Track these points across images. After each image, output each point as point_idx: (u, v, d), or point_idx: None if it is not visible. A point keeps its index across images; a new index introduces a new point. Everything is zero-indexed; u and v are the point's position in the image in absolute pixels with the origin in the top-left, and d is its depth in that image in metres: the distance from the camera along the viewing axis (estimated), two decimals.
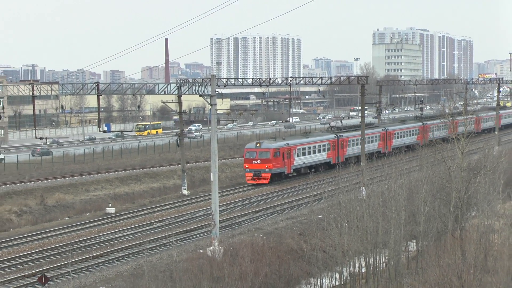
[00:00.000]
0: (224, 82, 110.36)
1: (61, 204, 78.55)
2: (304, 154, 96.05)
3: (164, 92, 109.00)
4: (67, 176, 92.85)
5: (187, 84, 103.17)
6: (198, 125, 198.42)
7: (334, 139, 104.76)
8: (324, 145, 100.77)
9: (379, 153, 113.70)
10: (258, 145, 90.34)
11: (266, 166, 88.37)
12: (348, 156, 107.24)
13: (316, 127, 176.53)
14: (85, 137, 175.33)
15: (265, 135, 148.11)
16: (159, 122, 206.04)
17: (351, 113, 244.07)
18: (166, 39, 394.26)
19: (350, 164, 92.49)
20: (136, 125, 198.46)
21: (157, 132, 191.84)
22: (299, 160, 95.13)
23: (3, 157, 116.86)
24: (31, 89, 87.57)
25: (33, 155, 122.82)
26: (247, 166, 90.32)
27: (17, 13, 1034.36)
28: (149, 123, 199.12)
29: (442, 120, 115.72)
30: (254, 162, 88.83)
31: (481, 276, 38.77)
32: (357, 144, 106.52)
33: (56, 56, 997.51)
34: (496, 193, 56.14)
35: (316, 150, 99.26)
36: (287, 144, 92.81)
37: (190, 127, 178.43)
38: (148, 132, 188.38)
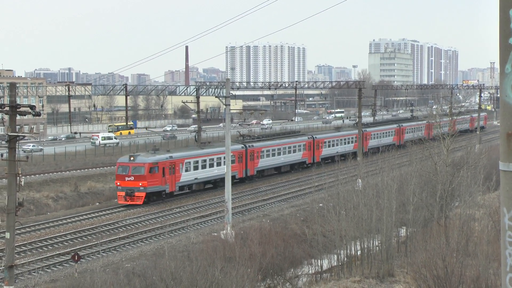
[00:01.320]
0: (237, 85, 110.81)
1: (93, 191, 78.51)
2: (196, 168, 75.32)
3: (184, 93, 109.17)
4: (98, 166, 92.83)
5: (205, 87, 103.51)
6: (174, 126, 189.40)
7: (242, 150, 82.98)
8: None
9: (304, 164, 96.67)
10: (131, 158, 69.43)
11: (140, 184, 67.94)
12: (261, 168, 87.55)
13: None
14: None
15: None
16: (131, 122, 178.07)
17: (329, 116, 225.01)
18: (187, 47, 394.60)
19: (266, 177, 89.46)
20: (109, 126, 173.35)
21: (129, 132, 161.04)
22: (188, 176, 74.38)
23: (42, 149, 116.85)
24: (67, 89, 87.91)
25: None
26: (118, 184, 68.74)
27: (55, 21, 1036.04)
28: (122, 123, 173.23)
29: (387, 127, 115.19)
30: (126, 178, 68.10)
31: (463, 259, 38.63)
32: (273, 155, 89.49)
33: (90, 60, 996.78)
34: (477, 186, 56.03)
35: (215, 163, 77.54)
36: (170, 157, 71.89)
37: (165, 127, 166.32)
38: (121, 133, 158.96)
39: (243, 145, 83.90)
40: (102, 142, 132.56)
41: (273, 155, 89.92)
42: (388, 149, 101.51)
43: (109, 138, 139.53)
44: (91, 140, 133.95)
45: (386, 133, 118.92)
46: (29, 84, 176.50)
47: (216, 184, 78.29)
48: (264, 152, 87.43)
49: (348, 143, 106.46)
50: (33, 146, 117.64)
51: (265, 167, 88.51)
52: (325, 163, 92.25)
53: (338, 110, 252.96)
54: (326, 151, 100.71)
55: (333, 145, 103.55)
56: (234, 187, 71.00)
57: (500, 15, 8.42)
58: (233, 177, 74.48)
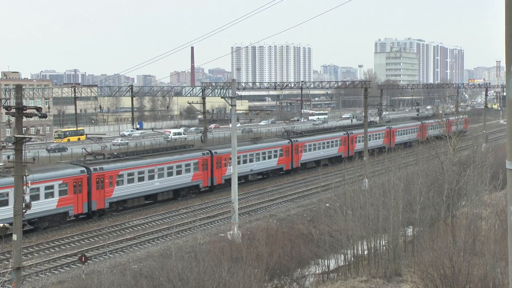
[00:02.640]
0: (243, 85, 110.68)
1: None
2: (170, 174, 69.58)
3: (190, 94, 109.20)
4: None
5: (210, 87, 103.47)
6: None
7: (288, 144, 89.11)
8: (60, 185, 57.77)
9: (340, 158, 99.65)
10: None
11: None
12: (304, 161, 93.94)
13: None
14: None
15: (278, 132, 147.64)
16: (83, 128, 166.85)
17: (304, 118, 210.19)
18: (192, 48, 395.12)
19: (308, 169, 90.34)
20: (56, 132, 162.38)
21: (79, 138, 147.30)
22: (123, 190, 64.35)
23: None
24: (73, 91, 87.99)
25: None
26: None
27: (61, 23, 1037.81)
28: (70, 129, 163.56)
29: (331, 136, 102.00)
30: None
31: (470, 258, 38.58)
32: (314, 149, 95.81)
33: (95, 62, 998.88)
34: (484, 185, 55.95)
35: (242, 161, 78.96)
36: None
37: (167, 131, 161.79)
38: (68, 139, 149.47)
39: (289, 140, 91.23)
40: (173, 137, 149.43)
41: (314, 149, 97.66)
42: (332, 162, 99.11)
43: (179, 133, 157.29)
44: (164, 135, 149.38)
45: (327, 143, 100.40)
46: (35, 86, 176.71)
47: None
48: (307, 146, 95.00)
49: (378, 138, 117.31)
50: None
51: (307, 160, 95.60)
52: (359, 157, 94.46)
53: (322, 112, 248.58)
54: (358, 146, 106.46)
55: (402, 134, 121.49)
56: (246, 185, 71.43)
57: (506, 14, 8.41)
58: (281, 169, 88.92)
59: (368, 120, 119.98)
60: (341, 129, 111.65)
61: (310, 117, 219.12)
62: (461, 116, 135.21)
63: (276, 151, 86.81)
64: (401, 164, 64.16)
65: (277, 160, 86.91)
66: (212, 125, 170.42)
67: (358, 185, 57.37)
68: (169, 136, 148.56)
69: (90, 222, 60.88)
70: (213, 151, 76.32)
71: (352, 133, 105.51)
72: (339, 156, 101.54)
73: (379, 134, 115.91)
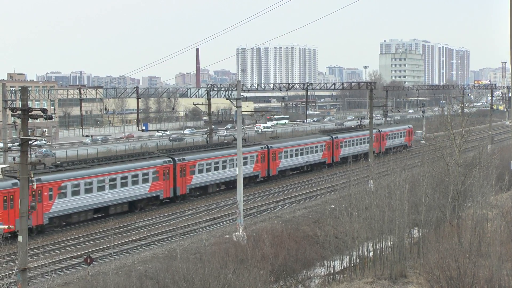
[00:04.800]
0: (248, 87, 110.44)
1: None
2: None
3: (196, 95, 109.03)
4: None
5: (216, 89, 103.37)
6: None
7: (329, 140, 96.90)
8: None
9: (256, 178, 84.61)
10: None
11: None
12: (343, 156, 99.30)
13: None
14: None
15: (284, 134, 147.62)
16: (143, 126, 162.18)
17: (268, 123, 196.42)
18: (198, 49, 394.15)
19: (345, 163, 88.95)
20: None
21: None
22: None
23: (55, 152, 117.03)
24: (79, 93, 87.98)
25: None
26: None
27: (66, 25, 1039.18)
28: None
29: (315, 140, 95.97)
30: None
31: (476, 259, 38.52)
32: (351, 145, 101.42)
33: (101, 63, 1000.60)
34: (489, 186, 55.85)
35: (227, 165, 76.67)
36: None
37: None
38: None
39: (330, 136, 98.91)
40: (263, 130, 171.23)
41: (352, 145, 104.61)
42: (317, 168, 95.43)
43: (267, 127, 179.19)
44: (255, 128, 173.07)
45: (311, 148, 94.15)
46: (41, 88, 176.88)
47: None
48: (345, 142, 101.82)
49: (401, 136, 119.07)
50: None
51: (346, 155, 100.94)
52: (388, 153, 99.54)
53: (282, 116, 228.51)
54: (388, 143, 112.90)
55: (392, 138, 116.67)
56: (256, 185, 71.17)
57: None
58: (323, 163, 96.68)
59: (353, 124, 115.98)
60: (324, 133, 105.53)
61: (267, 122, 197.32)
62: (405, 126, 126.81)
63: (252, 156, 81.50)
64: (407, 166, 64.11)
65: (253, 166, 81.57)
66: (126, 134, 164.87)
67: (363, 186, 57.29)
68: (259, 129, 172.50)
69: (95, 223, 60.87)
70: (176, 158, 70.63)
71: (337, 137, 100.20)
72: (323, 162, 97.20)
73: (364, 139, 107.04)
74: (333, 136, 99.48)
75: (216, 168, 75.52)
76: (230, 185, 77.96)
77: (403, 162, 65.17)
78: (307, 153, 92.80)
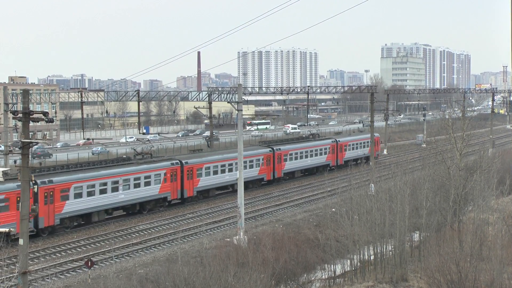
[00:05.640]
0: (250, 90, 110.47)
1: None
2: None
3: (197, 99, 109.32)
4: None
5: (217, 92, 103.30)
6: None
7: (333, 143, 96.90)
8: None
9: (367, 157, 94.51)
10: None
11: None
12: (346, 159, 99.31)
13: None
14: (59, 144, 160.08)
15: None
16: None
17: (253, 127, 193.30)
18: (199, 52, 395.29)
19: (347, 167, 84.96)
20: None
21: None
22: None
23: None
24: (80, 96, 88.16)
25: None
26: None
27: (68, 28, 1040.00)
28: None
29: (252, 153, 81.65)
30: None
31: (477, 263, 38.51)
32: (353, 148, 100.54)
33: (102, 66, 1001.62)
34: (491, 190, 55.81)
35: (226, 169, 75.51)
36: None
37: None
38: None
39: (334, 140, 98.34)
40: (291, 131, 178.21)
41: (353, 148, 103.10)
42: (253, 186, 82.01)
43: (294, 128, 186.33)
44: (283, 129, 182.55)
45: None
46: (42, 91, 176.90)
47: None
48: (348, 146, 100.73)
49: (364, 146, 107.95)
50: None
51: (348, 158, 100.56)
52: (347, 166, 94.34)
53: (262, 121, 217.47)
54: (348, 154, 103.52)
55: (353, 149, 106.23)
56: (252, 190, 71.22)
57: None
58: (328, 165, 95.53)
59: (308, 132, 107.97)
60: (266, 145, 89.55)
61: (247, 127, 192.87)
62: (355, 136, 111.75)
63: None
64: (407, 169, 64.04)
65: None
66: (81, 141, 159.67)
67: (364, 190, 57.26)
68: (288, 130, 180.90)
69: (96, 227, 60.87)
70: (183, 161, 71.30)
71: (279, 149, 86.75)
72: (260, 178, 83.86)
73: (322, 150, 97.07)
74: (274, 148, 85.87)
75: (301, 157, 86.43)
76: (308, 171, 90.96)
77: (404, 165, 65.12)
78: (232, 170, 76.05)
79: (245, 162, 74.53)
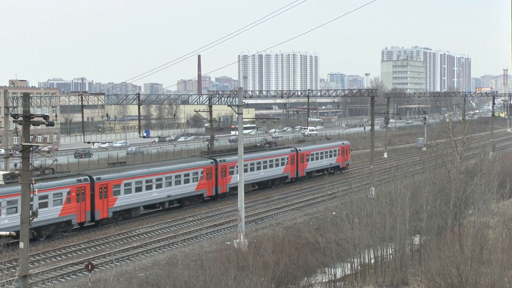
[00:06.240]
0: (250, 94, 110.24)
1: None
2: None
3: (197, 102, 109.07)
4: None
5: (217, 96, 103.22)
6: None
7: (293, 152, 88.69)
8: None
9: (335, 168, 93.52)
10: None
11: None
12: (309, 170, 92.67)
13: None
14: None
15: (285, 141, 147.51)
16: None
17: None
18: (199, 56, 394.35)
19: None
20: None
21: None
22: None
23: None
24: (80, 99, 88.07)
25: (75, 157, 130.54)
26: None
27: (68, 32, 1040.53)
28: None
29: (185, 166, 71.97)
30: None
31: (477, 267, 38.49)
32: (317, 159, 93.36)
33: (103, 70, 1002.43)
34: (491, 193, 55.77)
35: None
36: None
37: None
38: None
39: (293, 149, 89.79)
40: (308, 132, 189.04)
41: (317, 158, 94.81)
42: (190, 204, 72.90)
43: (312, 130, 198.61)
44: (302, 131, 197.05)
45: (170, 178, 69.65)
46: (43, 94, 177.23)
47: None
48: (310, 155, 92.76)
49: (330, 156, 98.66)
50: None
51: (311, 169, 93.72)
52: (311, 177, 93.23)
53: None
54: (311, 165, 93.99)
55: (317, 159, 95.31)
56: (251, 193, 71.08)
57: None
58: (286, 177, 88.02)
59: (264, 140, 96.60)
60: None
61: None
62: (337, 143, 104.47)
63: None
64: (408, 173, 64.07)
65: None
66: (47, 148, 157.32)
67: (364, 193, 57.26)
68: (306, 131, 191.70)
69: (96, 230, 60.91)
70: (218, 160, 75.49)
71: (224, 160, 76.52)
72: (198, 195, 73.99)
73: (278, 160, 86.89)
74: (217, 160, 75.92)
75: (252, 169, 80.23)
76: (262, 185, 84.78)
77: (405, 169, 65.12)
78: (162, 186, 68.90)
79: (178, 176, 70.38)
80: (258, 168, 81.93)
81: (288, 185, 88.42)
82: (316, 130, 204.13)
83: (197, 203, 73.84)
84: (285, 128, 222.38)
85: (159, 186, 68.12)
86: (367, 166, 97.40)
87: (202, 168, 73.80)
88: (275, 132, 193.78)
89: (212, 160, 74.76)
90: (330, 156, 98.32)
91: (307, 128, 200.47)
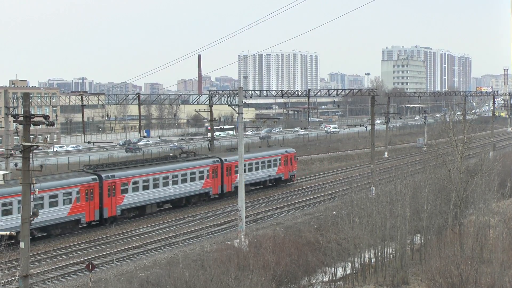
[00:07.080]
0: (250, 93, 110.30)
1: None
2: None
3: (197, 102, 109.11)
4: None
5: (218, 95, 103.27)
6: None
7: (287, 153, 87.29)
8: None
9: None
10: None
11: None
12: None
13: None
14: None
15: (286, 141, 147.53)
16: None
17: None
18: (199, 56, 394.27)
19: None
20: None
21: None
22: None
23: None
24: (80, 99, 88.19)
25: (126, 151, 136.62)
26: None
27: (68, 32, 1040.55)
28: None
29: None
30: None
31: (478, 266, 38.52)
32: None
33: (103, 70, 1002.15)
34: (491, 193, 55.79)
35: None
36: None
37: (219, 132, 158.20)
38: None
39: (217, 159, 75.78)
40: (332, 130, 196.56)
41: (251, 170, 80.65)
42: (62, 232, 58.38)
43: (334, 127, 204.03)
44: (325, 128, 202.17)
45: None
46: (43, 94, 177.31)
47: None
48: (133, 184, 65.32)
49: (269, 166, 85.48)
50: None
51: (130, 205, 65.74)
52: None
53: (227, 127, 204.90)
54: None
55: (251, 170, 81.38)
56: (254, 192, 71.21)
57: None
58: (207, 194, 74.38)
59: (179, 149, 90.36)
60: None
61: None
62: (281, 150, 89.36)
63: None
64: (408, 172, 64.07)
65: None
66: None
67: (365, 193, 57.30)
68: (329, 129, 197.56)
69: (97, 230, 60.94)
70: (223, 159, 76.04)
71: (113, 176, 62.96)
72: (73, 220, 59.08)
73: (195, 173, 72.98)
74: (103, 176, 61.90)
75: (250, 170, 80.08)
76: (260, 185, 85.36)
77: (405, 168, 65.14)
78: (168, 184, 68.47)
79: (184, 174, 70.31)
80: (166, 184, 68.63)
81: (288, 186, 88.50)
82: (338, 128, 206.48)
83: (203, 201, 74.34)
84: (276, 129, 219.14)
85: (166, 184, 68.35)
86: (367, 166, 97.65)
87: (209, 167, 74.06)
88: (274, 130, 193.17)
89: (96, 176, 61.17)
90: (269, 166, 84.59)
91: (330, 126, 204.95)
